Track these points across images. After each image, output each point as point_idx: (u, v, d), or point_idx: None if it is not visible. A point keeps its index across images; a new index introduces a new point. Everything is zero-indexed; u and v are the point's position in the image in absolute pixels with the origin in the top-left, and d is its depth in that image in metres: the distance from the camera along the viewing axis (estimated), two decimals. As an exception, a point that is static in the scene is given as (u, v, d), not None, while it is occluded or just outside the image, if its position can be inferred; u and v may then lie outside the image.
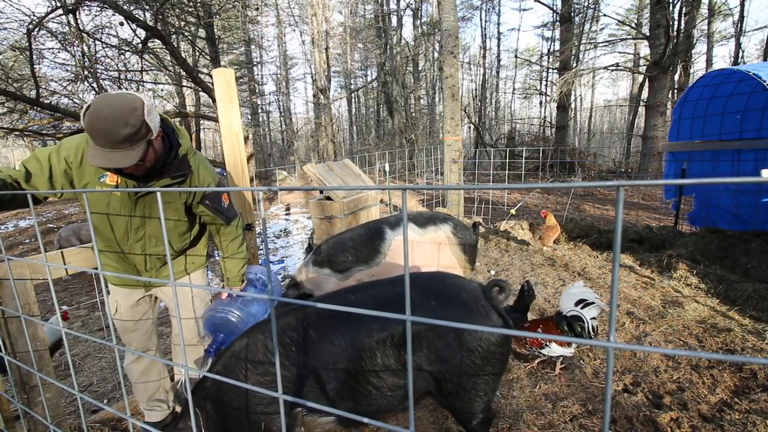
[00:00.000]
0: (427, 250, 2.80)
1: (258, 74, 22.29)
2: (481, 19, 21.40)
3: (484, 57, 21.19)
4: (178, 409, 2.10)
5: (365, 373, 1.38)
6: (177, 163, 1.57)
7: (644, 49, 15.33)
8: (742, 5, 12.26)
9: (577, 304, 2.36)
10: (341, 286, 2.70)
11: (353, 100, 24.98)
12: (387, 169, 5.46)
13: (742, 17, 12.40)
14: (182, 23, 7.64)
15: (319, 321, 1.44)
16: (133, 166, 1.36)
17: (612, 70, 13.44)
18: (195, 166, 1.66)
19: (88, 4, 5.53)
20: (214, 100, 5.14)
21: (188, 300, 1.96)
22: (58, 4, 5.13)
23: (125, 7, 5.73)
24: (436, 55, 17.65)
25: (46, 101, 5.40)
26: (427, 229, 2.82)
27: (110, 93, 1.35)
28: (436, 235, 2.82)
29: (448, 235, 2.84)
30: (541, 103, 22.00)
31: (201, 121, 15.57)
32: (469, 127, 19.72)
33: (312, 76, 19.41)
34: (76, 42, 5.57)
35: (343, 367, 1.37)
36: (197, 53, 10.03)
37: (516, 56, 22.62)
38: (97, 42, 6.15)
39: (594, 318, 2.33)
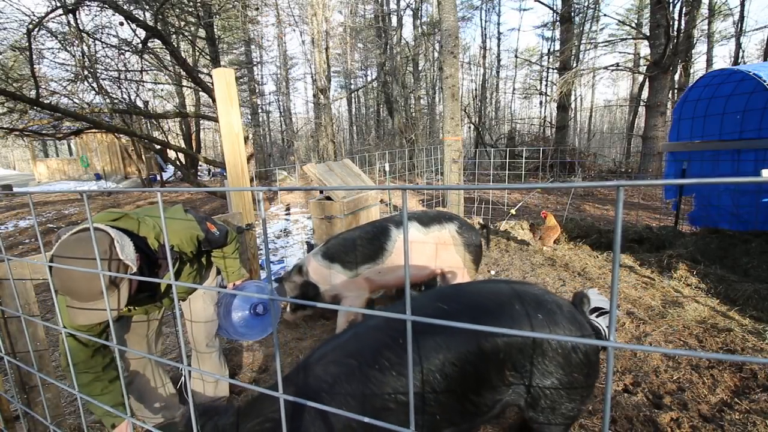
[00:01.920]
0: (431, 249, 2.80)
1: (258, 74, 22.30)
2: (481, 19, 21.41)
3: (484, 57, 21.19)
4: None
5: (465, 390, 1.26)
6: (163, 256, 1.51)
7: (644, 49, 15.35)
8: (742, 5, 12.26)
9: (592, 312, 2.30)
10: (349, 283, 2.72)
11: (353, 100, 24.98)
12: (387, 169, 5.46)
13: (742, 17, 12.41)
14: (182, 23, 7.65)
15: (414, 338, 1.25)
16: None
17: (612, 70, 13.44)
18: (174, 239, 1.59)
19: (88, 4, 5.53)
20: (214, 100, 5.14)
21: (197, 302, 1.98)
22: (58, 4, 5.13)
23: (125, 7, 5.73)
24: (436, 55, 17.64)
25: (46, 101, 5.40)
26: (432, 228, 2.82)
27: (73, 239, 1.22)
28: (441, 234, 2.82)
29: (453, 234, 2.84)
30: (541, 103, 22.00)
31: (201, 121, 15.59)
32: (469, 127, 19.72)
33: (312, 76, 19.42)
34: (76, 42, 5.57)
35: (445, 387, 1.24)
36: (197, 53, 10.03)
37: (516, 56, 22.62)
38: (97, 42, 6.16)
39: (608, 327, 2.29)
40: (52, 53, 6.51)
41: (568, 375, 1.31)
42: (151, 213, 1.56)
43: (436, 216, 2.90)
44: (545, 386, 1.31)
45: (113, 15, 5.95)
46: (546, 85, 21.22)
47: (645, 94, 13.22)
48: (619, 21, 15.54)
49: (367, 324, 1.36)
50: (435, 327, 1.27)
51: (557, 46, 17.13)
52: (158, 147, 9.18)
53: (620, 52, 17.77)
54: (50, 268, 1.18)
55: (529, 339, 1.28)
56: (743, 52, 13.09)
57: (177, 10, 7.06)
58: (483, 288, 1.47)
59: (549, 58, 20.79)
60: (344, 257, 2.71)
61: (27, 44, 4.95)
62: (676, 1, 10.85)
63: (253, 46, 20.18)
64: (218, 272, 2.08)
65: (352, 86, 23.48)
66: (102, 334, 1.47)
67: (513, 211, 6.63)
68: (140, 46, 6.34)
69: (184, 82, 9.26)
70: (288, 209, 9.17)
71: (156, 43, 6.96)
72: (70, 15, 5.31)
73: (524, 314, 1.33)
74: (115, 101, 6.57)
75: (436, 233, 2.81)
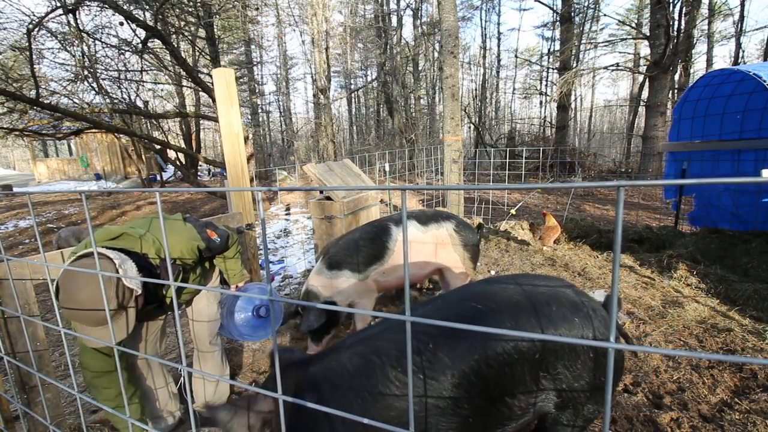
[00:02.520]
0: (430, 248, 2.80)
1: (258, 74, 22.30)
2: (481, 19, 21.43)
3: (484, 57, 21.19)
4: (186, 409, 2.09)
5: (500, 393, 1.25)
6: (165, 270, 1.51)
7: (644, 49, 15.35)
8: (742, 5, 12.27)
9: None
10: (361, 286, 2.66)
11: (353, 100, 24.98)
12: (387, 169, 5.45)
13: (742, 17, 12.41)
14: (182, 23, 7.64)
15: (445, 342, 1.24)
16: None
17: (612, 70, 13.44)
18: (175, 252, 1.58)
19: (88, 4, 5.53)
20: (214, 100, 5.14)
21: (201, 301, 1.99)
22: (58, 4, 5.13)
23: (125, 7, 5.73)
24: (436, 55, 17.65)
25: (46, 101, 5.40)
26: (430, 226, 2.82)
27: (76, 269, 1.24)
28: (439, 232, 2.82)
29: (451, 233, 2.84)
30: (541, 103, 22.00)
31: (201, 121, 15.59)
32: (469, 127, 19.73)
33: (312, 76, 19.42)
34: (76, 42, 5.58)
35: (478, 389, 1.23)
36: (197, 53, 10.03)
37: (516, 56, 22.63)
38: (97, 42, 6.16)
39: None
40: (52, 53, 6.51)
41: (597, 378, 1.32)
42: (150, 226, 1.56)
43: (434, 215, 2.91)
44: (573, 388, 1.31)
45: (113, 15, 5.95)
46: (546, 85, 21.22)
47: (645, 94, 13.23)
48: (619, 21, 15.53)
49: (394, 326, 1.34)
50: (463, 331, 1.27)
51: (557, 46, 17.13)
52: (158, 147, 9.18)
53: (620, 52, 17.79)
54: (57, 294, 1.21)
55: (560, 343, 1.27)
56: (743, 52, 13.09)
57: (177, 10, 7.05)
58: (519, 288, 1.41)
59: (549, 58, 20.79)
60: (350, 260, 2.64)
61: (27, 44, 4.95)
62: (676, 1, 10.85)
63: (253, 46, 20.18)
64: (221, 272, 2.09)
65: (352, 86, 23.48)
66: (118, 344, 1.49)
67: (513, 211, 6.63)
68: (140, 46, 6.34)
69: (184, 82, 9.26)
70: (288, 209, 9.17)
71: (156, 43, 6.96)
72: (70, 15, 5.31)
73: (561, 317, 1.30)
74: (115, 101, 6.57)
75: (434, 231, 2.81)
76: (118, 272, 1.26)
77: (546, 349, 1.27)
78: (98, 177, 15.43)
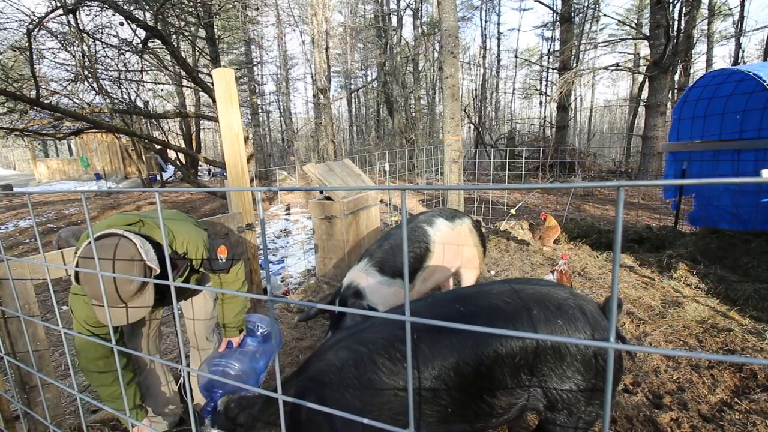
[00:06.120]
0: (457, 242, 2.81)
1: (258, 74, 22.29)
2: (481, 19, 21.42)
3: (484, 57, 21.19)
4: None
5: (479, 390, 1.29)
6: (175, 260, 1.53)
7: (644, 49, 15.35)
8: (742, 5, 12.26)
9: None
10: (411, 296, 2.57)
11: (353, 100, 24.97)
12: (387, 169, 5.45)
13: (742, 17, 12.41)
14: (182, 23, 7.65)
15: (429, 334, 1.31)
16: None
17: (612, 70, 13.43)
18: (183, 244, 1.56)
19: (88, 4, 5.53)
20: (214, 100, 5.15)
21: (198, 298, 2.00)
22: (58, 4, 5.13)
23: (125, 7, 5.73)
24: (436, 55, 17.65)
25: (46, 101, 5.41)
26: (455, 222, 2.85)
27: (97, 246, 1.24)
28: (462, 228, 2.86)
29: (470, 228, 2.89)
30: (541, 103, 22.00)
31: (201, 121, 15.59)
32: (469, 127, 19.72)
33: (312, 76, 19.41)
34: (76, 42, 5.57)
35: (456, 384, 1.28)
36: (197, 53, 10.03)
37: (516, 56, 22.62)
38: (97, 42, 6.16)
39: None
40: (52, 53, 6.51)
41: (587, 381, 1.32)
42: (166, 218, 1.58)
43: (454, 212, 2.95)
44: (563, 390, 1.31)
45: (113, 15, 5.95)
46: (546, 85, 21.21)
47: (645, 94, 13.22)
48: (619, 21, 15.52)
49: (380, 320, 1.43)
50: (446, 327, 1.31)
51: (557, 46, 17.12)
52: (158, 147, 9.19)
53: (620, 52, 17.77)
54: (77, 276, 1.25)
55: (546, 344, 1.29)
56: (743, 52, 13.09)
57: (177, 10, 7.05)
58: (503, 290, 1.43)
59: (549, 58, 20.79)
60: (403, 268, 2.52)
61: (27, 44, 4.95)
62: (676, 1, 10.84)
63: (253, 46, 20.18)
64: None
65: (352, 86, 23.48)
66: (116, 333, 1.50)
67: (513, 211, 6.63)
68: (140, 46, 6.34)
69: (184, 82, 9.26)
70: (288, 209, 9.18)
71: (156, 43, 6.96)
72: (70, 15, 5.31)
73: (542, 319, 1.31)
74: (115, 101, 6.58)
75: (459, 228, 2.84)
76: (140, 253, 1.29)
77: (526, 352, 1.29)
78: (98, 177, 15.43)
